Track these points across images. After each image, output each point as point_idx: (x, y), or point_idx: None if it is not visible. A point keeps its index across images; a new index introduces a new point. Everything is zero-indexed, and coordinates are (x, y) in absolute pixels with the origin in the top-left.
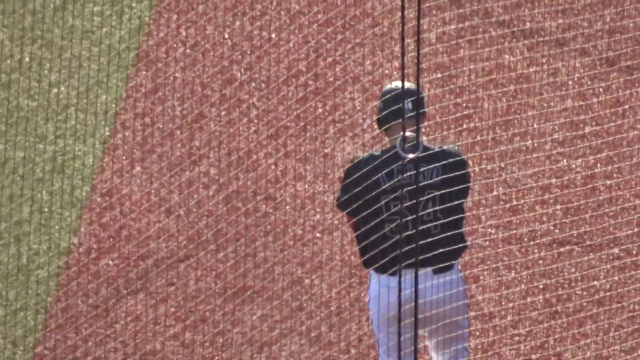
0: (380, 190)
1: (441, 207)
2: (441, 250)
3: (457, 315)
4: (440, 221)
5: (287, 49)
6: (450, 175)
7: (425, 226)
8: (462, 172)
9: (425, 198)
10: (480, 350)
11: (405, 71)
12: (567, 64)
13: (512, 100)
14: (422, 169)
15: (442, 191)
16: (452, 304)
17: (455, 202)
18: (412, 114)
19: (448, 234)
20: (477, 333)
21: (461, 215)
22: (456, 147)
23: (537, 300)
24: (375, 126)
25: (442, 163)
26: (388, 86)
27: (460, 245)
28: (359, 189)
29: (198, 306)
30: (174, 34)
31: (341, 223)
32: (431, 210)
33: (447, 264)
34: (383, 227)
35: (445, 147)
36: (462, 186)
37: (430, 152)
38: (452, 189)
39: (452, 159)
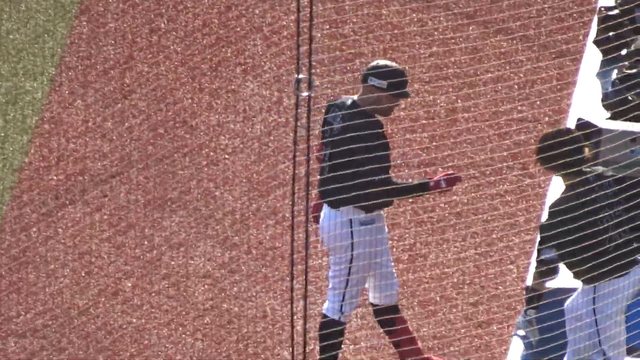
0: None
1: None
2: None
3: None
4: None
5: (203, 4)
6: (350, 123)
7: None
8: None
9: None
10: None
11: (300, 24)
12: (433, 17)
13: (387, 47)
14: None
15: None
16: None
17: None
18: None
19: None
20: None
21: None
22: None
23: (407, 210)
24: (274, 67)
25: (345, 112)
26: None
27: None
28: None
29: (127, 214)
30: None
31: (245, 147)
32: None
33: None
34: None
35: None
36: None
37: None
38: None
39: (355, 109)
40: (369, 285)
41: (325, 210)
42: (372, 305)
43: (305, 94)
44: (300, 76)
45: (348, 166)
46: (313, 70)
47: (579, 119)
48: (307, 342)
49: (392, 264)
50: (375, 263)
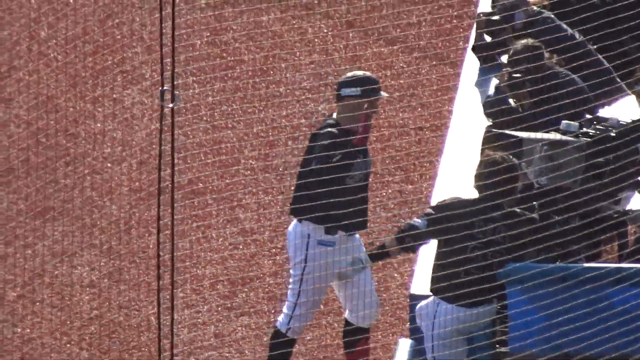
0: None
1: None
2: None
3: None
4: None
5: (83, 12)
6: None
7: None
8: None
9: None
10: (243, 260)
11: (165, 31)
12: (313, 24)
13: (268, 54)
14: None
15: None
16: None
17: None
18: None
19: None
20: (240, 246)
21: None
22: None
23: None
24: (155, 75)
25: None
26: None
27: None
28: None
29: (9, 223)
30: None
31: (128, 155)
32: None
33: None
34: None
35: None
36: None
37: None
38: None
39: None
40: (343, 304)
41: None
42: (346, 322)
43: (170, 105)
44: (165, 88)
45: (315, 183)
46: (193, 78)
47: (487, 130)
48: (173, 349)
49: (372, 284)
50: (346, 283)
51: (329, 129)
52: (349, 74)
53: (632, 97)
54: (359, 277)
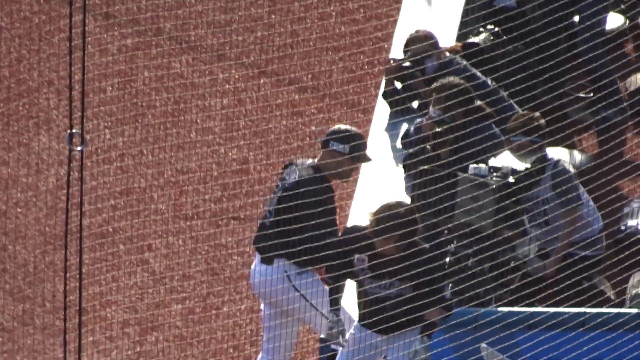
0: None
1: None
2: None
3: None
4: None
5: None
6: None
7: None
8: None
9: None
10: (152, 305)
11: (75, 75)
12: (225, 72)
13: (180, 102)
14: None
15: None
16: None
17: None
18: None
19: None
20: (150, 291)
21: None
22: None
23: (200, 265)
24: (66, 120)
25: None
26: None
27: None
28: None
29: None
30: None
31: (38, 200)
32: None
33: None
34: None
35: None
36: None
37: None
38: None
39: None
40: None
41: (257, 266)
42: None
43: (79, 148)
44: (74, 131)
45: (294, 221)
46: (104, 123)
47: (406, 158)
48: None
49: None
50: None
51: (323, 183)
52: (342, 128)
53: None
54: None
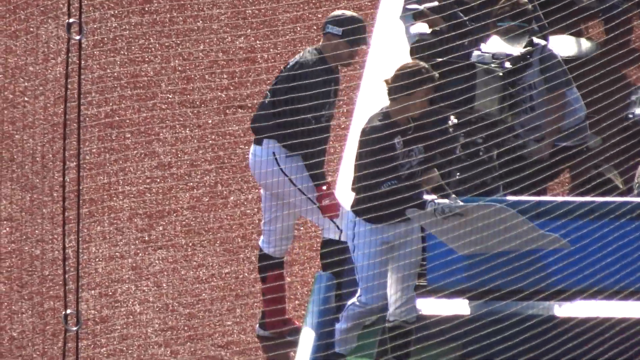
0: None
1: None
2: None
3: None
4: None
5: None
6: None
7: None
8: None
9: None
10: (160, 194)
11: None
12: None
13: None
14: None
15: None
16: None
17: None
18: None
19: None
20: (157, 180)
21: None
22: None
23: (208, 154)
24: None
25: None
26: None
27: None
28: None
29: None
30: None
31: (45, 89)
32: None
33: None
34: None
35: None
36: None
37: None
38: None
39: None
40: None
41: (252, 146)
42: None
43: (77, 37)
44: (72, 20)
45: (289, 102)
46: (111, 11)
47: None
48: (79, 280)
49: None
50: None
51: (323, 64)
52: (338, 12)
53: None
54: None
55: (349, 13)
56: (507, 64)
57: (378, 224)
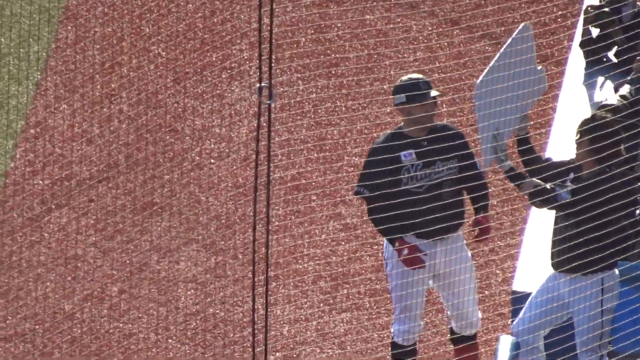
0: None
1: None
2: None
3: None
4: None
5: (187, 8)
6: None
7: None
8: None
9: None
10: (345, 256)
11: (265, 27)
12: (418, 22)
13: (372, 52)
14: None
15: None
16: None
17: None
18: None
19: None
20: (342, 242)
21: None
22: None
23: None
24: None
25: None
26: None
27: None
28: None
29: (113, 219)
30: None
31: (231, 151)
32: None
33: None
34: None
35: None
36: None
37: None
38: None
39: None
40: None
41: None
42: (451, 330)
43: (268, 101)
44: (263, 84)
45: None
46: (298, 75)
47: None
48: (267, 343)
49: (474, 294)
50: (446, 288)
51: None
52: (396, 84)
53: None
54: (462, 286)
55: (404, 78)
56: None
57: None
